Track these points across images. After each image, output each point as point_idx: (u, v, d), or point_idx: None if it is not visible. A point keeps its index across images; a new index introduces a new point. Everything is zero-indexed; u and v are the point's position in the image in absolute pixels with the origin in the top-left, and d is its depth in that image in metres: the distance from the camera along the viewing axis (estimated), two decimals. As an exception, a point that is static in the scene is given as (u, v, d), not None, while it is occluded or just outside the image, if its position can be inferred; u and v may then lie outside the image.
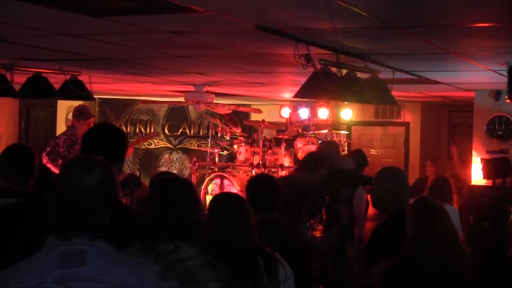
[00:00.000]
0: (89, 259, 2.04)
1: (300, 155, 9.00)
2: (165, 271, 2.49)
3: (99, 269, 2.04)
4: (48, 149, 7.00)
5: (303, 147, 9.44)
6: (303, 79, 5.08)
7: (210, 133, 10.61)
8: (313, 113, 11.11)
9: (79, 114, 7.20)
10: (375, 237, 3.98)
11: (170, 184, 2.76)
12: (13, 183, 3.55)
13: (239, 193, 7.81)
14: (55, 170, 6.70)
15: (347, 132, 11.70)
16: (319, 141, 9.32)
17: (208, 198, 9.10)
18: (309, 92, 4.96)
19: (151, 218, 2.59)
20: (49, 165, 6.84)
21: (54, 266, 2.03)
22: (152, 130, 12.60)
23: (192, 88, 8.95)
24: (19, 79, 6.55)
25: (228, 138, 10.24)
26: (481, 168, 8.17)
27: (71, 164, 2.25)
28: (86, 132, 3.18)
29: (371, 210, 6.00)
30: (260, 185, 3.97)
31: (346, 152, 11.14)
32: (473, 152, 8.55)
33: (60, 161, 6.83)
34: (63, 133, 7.33)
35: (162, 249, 2.54)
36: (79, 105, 7.42)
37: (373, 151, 12.32)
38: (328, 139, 10.22)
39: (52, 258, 2.05)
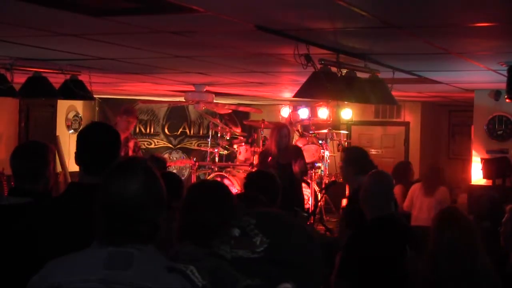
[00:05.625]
0: (134, 264, 2.03)
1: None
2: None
3: (142, 275, 2.02)
4: None
5: (303, 147, 9.43)
6: (303, 79, 5.08)
7: (210, 132, 10.61)
8: (313, 113, 11.12)
9: (123, 111, 7.52)
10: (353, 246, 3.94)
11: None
12: (26, 183, 3.53)
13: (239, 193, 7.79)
14: None
15: (347, 132, 11.71)
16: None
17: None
18: (309, 92, 4.96)
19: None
20: None
21: (102, 265, 2.03)
22: (152, 130, 12.59)
23: (192, 88, 8.95)
24: (19, 79, 6.54)
25: (228, 138, 10.24)
26: (481, 168, 8.17)
27: (112, 171, 2.21)
28: (79, 132, 3.19)
29: None
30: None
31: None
32: (473, 152, 8.55)
33: None
34: None
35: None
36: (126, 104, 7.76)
37: (373, 151, 12.32)
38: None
39: (101, 256, 2.05)
